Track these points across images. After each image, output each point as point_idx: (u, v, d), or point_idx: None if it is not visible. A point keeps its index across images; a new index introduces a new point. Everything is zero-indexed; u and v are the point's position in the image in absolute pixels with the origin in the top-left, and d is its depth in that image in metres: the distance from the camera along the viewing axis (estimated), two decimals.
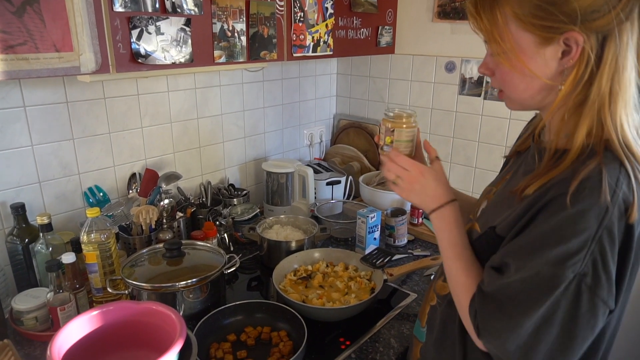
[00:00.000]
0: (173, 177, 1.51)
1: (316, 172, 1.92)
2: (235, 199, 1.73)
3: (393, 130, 0.92)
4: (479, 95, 1.80)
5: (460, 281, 0.78)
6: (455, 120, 1.90)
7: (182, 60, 1.18)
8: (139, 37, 1.08)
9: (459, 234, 0.82)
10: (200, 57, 1.22)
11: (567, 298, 0.63)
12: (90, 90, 1.38)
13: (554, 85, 0.69)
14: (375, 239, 1.58)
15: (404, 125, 0.92)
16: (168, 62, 1.15)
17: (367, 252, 1.51)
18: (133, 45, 1.07)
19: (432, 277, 1.41)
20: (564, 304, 0.63)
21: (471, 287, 0.75)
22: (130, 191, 1.53)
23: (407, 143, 0.93)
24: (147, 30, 1.08)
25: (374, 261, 1.37)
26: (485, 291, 0.71)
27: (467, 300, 0.75)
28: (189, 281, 1.16)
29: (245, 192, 1.80)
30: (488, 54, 0.75)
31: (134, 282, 1.16)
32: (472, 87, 1.81)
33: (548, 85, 0.69)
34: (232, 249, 1.59)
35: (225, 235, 1.57)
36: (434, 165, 0.89)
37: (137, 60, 1.09)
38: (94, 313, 0.97)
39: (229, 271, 1.29)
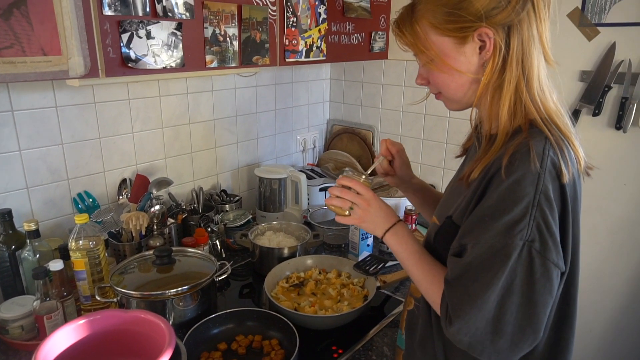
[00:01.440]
0: (164, 182, 1.49)
1: (309, 177, 1.91)
2: (227, 205, 1.72)
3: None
4: None
5: (428, 281, 0.82)
6: (449, 126, 1.89)
7: (173, 64, 1.17)
8: (129, 42, 1.06)
9: (414, 243, 0.87)
10: (191, 62, 1.21)
11: (522, 265, 0.68)
12: (80, 95, 1.36)
13: (479, 78, 0.77)
14: (368, 245, 1.57)
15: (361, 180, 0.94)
16: (159, 66, 1.14)
17: (360, 258, 1.50)
18: (123, 50, 1.06)
19: None
20: (519, 272, 0.68)
21: (439, 284, 0.79)
22: (121, 197, 1.50)
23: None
24: (137, 34, 1.07)
25: (367, 268, 1.35)
26: (451, 280, 0.74)
27: (437, 293, 0.78)
28: (180, 289, 1.14)
29: (237, 198, 1.78)
30: (420, 65, 0.84)
31: (122, 290, 1.13)
32: None
33: (475, 79, 0.77)
34: (223, 255, 1.57)
35: (217, 241, 1.55)
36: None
37: (127, 64, 1.07)
38: (80, 322, 0.95)
39: (220, 278, 1.27)
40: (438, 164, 1.96)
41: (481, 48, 0.75)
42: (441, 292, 0.77)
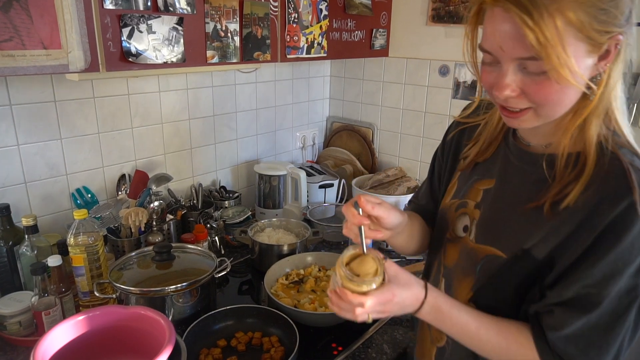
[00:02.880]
0: (163, 178, 1.48)
1: (309, 174, 1.91)
2: (226, 202, 1.71)
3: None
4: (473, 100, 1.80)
5: (503, 345, 0.71)
6: (449, 124, 1.89)
7: (174, 59, 1.16)
8: (130, 36, 1.05)
9: (460, 309, 0.73)
10: (192, 57, 1.20)
11: None
12: (79, 89, 1.35)
13: (583, 90, 0.64)
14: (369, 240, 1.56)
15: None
16: (159, 61, 1.13)
17: None
18: (124, 44, 1.05)
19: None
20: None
21: (517, 339, 0.71)
22: (120, 193, 1.50)
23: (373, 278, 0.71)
24: (138, 28, 1.06)
25: None
26: (566, 333, 0.67)
27: (526, 354, 0.70)
28: (179, 285, 1.13)
29: (236, 194, 1.77)
30: (511, 71, 0.62)
31: (122, 286, 1.13)
32: (466, 91, 1.81)
33: (578, 92, 0.64)
34: (223, 252, 1.56)
35: (216, 238, 1.55)
36: (389, 269, 0.71)
37: (127, 59, 1.06)
38: (79, 318, 0.95)
39: (219, 275, 1.27)
40: None
41: (601, 57, 0.62)
42: (531, 352, 0.69)
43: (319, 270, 1.39)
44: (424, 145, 2.00)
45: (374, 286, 0.68)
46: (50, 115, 1.31)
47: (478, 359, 0.77)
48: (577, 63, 0.59)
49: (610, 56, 0.62)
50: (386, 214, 0.73)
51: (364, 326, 1.21)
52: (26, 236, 1.20)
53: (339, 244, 1.66)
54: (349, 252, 0.73)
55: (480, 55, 0.69)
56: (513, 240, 0.72)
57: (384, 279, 0.69)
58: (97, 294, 1.15)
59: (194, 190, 1.69)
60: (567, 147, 0.68)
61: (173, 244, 1.30)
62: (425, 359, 0.91)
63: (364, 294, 0.67)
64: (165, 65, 1.15)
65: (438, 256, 0.89)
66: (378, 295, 0.68)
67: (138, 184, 1.47)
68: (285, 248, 1.45)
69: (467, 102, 1.83)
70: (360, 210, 0.71)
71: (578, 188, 0.65)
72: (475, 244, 0.78)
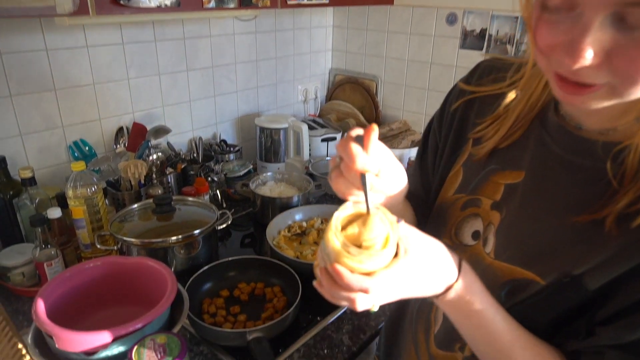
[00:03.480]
0: (162, 130, 1.45)
1: (311, 128, 1.87)
2: (227, 155, 1.68)
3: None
4: (481, 49, 1.73)
5: None
6: (455, 75, 1.83)
7: (168, 3, 1.10)
8: None
9: (496, 310, 0.53)
10: (187, 1, 1.14)
11: None
12: (71, 37, 1.30)
13: None
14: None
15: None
16: (153, 5, 1.07)
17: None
18: None
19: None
20: None
21: None
22: (118, 145, 1.47)
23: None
24: None
25: None
26: None
27: None
28: (180, 236, 1.13)
29: (237, 148, 1.75)
30: (598, 25, 0.40)
31: (123, 238, 1.12)
32: (474, 40, 1.73)
33: None
34: (224, 205, 1.55)
35: (218, 191, 1.53)
36: (407, 235, 0.49)
37: (119, 2, 1.01)
38: (81, 268, 0.94)
39: (221, 227, 1.26)
40: None
41: None
42: None
43: (322, 222, 1.38)
44: (429, 98, 1.94)
45: (383, 263, 0.46)
46: (43, 64, 1.26)
47: None
48: None
49: None
50: (395, 164, 0.54)
51: None
52: (24, 188, 1.18)
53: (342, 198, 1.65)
54: (345, 212, 0.49)
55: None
56: (557, 263, 0.52)
57: (397, 251, 0.47)
58: (99, 246, 1.15)
59: (194, 144, 1.66)
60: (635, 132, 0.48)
61: (174, 197, 1.29)
62: None
63: (369, 273, 0.46)
64: (158, 9, 1.09)
65: None
66: (390, 276, 0.46)
67: (136, 136, 1.45)
68: (287, 201, 1.43)
69: (475, 52, 1.78)
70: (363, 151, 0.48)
71: None
72: (495, 259, 0.58)
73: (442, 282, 0.51)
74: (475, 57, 1.74)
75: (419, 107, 1.98)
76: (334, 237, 0.47)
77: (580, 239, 0.51)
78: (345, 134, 0.53)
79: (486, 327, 0.53)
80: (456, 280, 0.51)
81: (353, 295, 0.47)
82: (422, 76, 1.93)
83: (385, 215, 0.49)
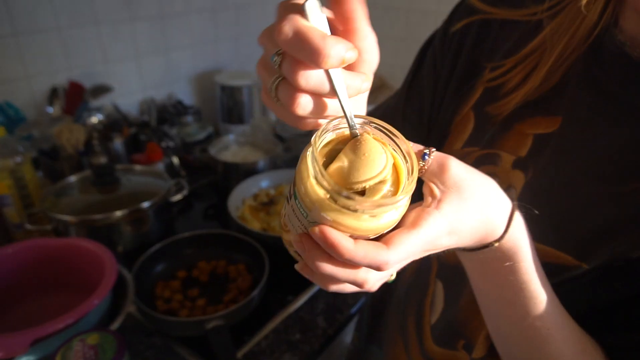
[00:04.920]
0: (102, 89, 1.25)
1: None
2: (184, 117, 1.50)
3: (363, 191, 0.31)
4: None
5: (572, 351, 0.40)
6: (437, 23, 1.66)
7: None
8: None
9: (541, 276, 0.39)
10: None
11: None
12: None
13: None
14: None
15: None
16: None
17: None
18: None
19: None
20: None
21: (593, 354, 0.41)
22: (53, 108, 1.27)
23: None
24: None
25: None
26: None
27: None
28: (125, 211, 0.97)
29: (195, 109, 1.56)
30: None
31: (57, 216, 0.95)
32: None
33: None
34: (183, 174, 1.38)
35: (174, 158, 1.36)
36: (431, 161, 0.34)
37: None
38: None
39: (176, 198, 1.10)
40: None
41: None
42: None
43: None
44: (407, 51, 1.77)
45: (398, 214, 0.30)
46: None
47: None
48: None
49: None
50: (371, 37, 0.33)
51: None
52: None
53: None
54: (322, 140, 0.32)
55: None
56: (604, 244, 0.40)
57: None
58: (29, 226, 0.98)
59: (145, 106, 1.47)
60: None
61: (119, 166, 1.11)
62: None
63: (377, 238, 0.31)
64: None
65: None
66: (418, 241, 0.31)
67: (74, 97, 1.25)
68: (252, 166, 1.28)
69: None
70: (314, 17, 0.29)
71: None
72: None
73: (484, 234, 0.34)
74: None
75: (395, 60, 1.82)
76: (315, 179, 0.29)
77: (615, 210, 0.38)
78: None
79: (523, 305, 0.38)
80: (503, 235, 0.35)
81: (361, 276, 0.31)
82: (397, 24, 1.76)
83: (390, 133, 0.31)
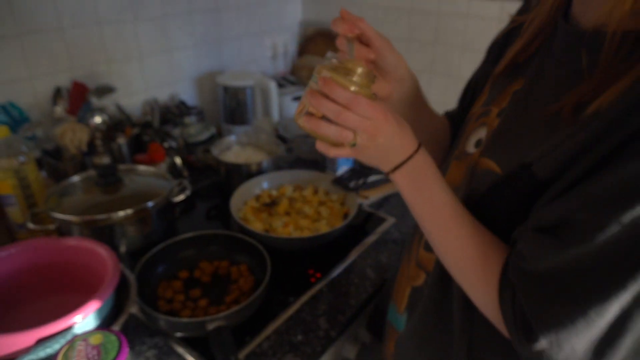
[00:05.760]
0: (105, 89, 1.26)
1: (281, 86, 1.69)
2: (187, 118, 1.50)
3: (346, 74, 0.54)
4: None
5: (469, 253, 0.54)
6: (438, 23, 1.66)
7: None
8: None
9: (443, 188, 0.56)
10: None
11: None
12: None
13: None
14: (348, 158, 1.41)
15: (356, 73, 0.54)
16: None
17: (339, 173, 1.34)
18: None
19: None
20: None
21: (489, 257, 0.53)
22: (56, 108, 1.27)
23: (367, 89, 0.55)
24: None
25: (346, 183, 1.20)
26: (536, 270, 0.47)
27: (488, 280, 0.52)
28: (128, 211, 0.97)
29: (198, 110, 1.56)
30: None
31: (60, 215, 0.96)
32: None
33: None
34: (185, 174, 1.39)
35: (177, 159, 1.36)
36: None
37: None
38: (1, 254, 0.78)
39: (178, 199, 1.10)
40: (424, 68, 1.76)
41: None
42: (496, 279, 0.52)
43: (294, 190, 1.24)
44: (408, 50, 1.78)
45: (366, 94, 0.53)
46: None
47: (452, 306, 0.61)
48: None
49: None
50: (374, 34, 0.60)
51: (344, 249, 1.08)
52: None
53: (316, 163, 1.50)
54: (331, 61, 0.55)
55: None
56: (511, 152, 0.54)
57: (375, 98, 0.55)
58: (32, 226, 0.98)
59: (148, 106, 1.47)
60: (625, 22, 0.44)
61: (121, 166, 1.12)
62: (399, 299, 0.75)
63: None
64: None
65: None
66: (371, 102, 0.52)
67: (77, 97, 1.25)
68: (255, 167, 1.28)
69: None
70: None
71: (624, 82, 0.43)
72: (479, 158, 0.59)
73: (406, 142, 0.55)
74: (459, 2, 1.58)
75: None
76: (324, 63, 0.55)
77: (539, 130, 0.52)
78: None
79: (433, 200, 0.56)
80: (416, 152, 0.55)
81: (339, 110, 0.52)
82: (399, 24, 1.75)
83: (360, 74, 0.54)
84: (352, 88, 0.52)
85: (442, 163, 0.71)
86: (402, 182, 0.57)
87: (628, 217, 0.40)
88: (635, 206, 0.40)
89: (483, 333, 0.58)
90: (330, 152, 0.56)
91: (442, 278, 0.62)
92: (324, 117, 0.53)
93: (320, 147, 0.57)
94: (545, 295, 0.46)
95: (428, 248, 0.68)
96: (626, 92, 0.42)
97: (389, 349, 0.79)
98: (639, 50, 0.44)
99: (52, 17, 1.21)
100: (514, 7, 0.74)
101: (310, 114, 0.54)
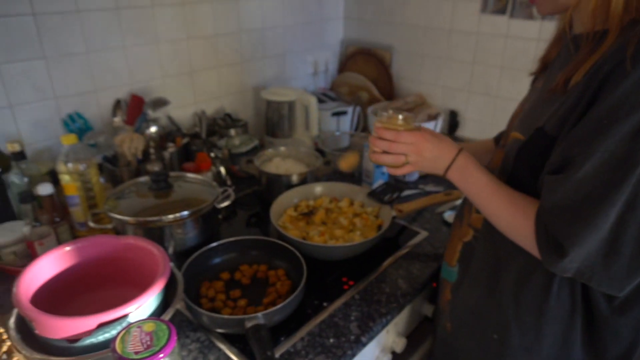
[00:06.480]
0: (160, 102, 1.36)
1: (321, 101, 1.76)
2: (232, 130, 1.60)
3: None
4: (504, 13, 1.59)
5: (511, 213, 0.72)
6: (476, 44, 1.69)
7: None
8: None
9: (483, 174, 0.77)
10: None
11: None
12: (60, 1, 1.20)
13: None
14: (383, 173, 1.45)
15: (400, 125, 0.83)
16: None
17: (374, 186, 1.39)
18: None
19: (446, 214, 1.30)
20: None
21: (524, 210, 0.70)
22: (115, 119, 1.39)
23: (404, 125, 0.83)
24: None
25: (381, 196, 1.25)
26: (556, 203, 0.64)
27: (527, 222, 0.69)
28: (177, 214, 1.05)
29: (243, 122, 1.65)
30: None
31: (117, 216, 1.05)
32: (496, 3, 1.59)
33: None
34: (229, 183, 1.47)
35: (222, 168, 1.45)
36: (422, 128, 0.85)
37: None
38: (67, 248, 0.87)
39: (222, 205, 1.18)
40: (462, 87, 1.78)
41: None
42: (531, 223, 0.68)
43: (330, 201, 1.29)
44: (446, 69, 1.81)
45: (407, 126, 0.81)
46: (30, 30, 1.17)
47: (500, 256, 0.80)
48: None
49: None
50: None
51: (377, 259, 1.12)
52: (13, 163, 1.11)
53: (352, 175, 1.55)
54: (382, 115, 0.84)
55: None
56: (531, 122, 0.72)
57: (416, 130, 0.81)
58: (92, 225, 1.08)
59: (197, 118, 1.57)
60: (591, 26, 0.64)
61: (172, 173, 1.21)
62: (451, 256, 0.94)
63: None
64: None
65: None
66: (411, 131, 0.79)
67: (134, 109, 1.36)
68: (294, 178, 1.34)
69: (499, 16, 1.63)
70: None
71: (588, 62, 0.63)
72: (510, 133, 0.79)
73: (448, 150, 0.79)
74: (498, 23, 1.61)
75: (435, 79, 1.85)
76: (377, 121, 0.84)
77: (546, 103, 0.71)
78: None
79: (477, 184, 0.77)
80: (457, 155, 0.78)
81: (390, 144, 0.80)
82: (439, 45, 1.79)
83: (403, 116, 0.82)
84: (398, 129, 0.80)
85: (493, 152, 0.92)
86: (454, 178, 0.79)
87: (605, 144, 0.58)
88: (607, 136, 0.58)
89: (522, 270, 0.76)
90: (397, 172, 0.83)
91: (489, 231, 0.80)
92: (384, 152, 0.81)
93: (389, 171, 0.83)
94: (564, 220, 0.63)
95: (478, 211, 0.85)
96: (590, 69, 0.62)
97: (445, 297, 0.97)
98: (600, 43, 0.63)
99: (118, 36, 1.34)
100: (553, 26, 0.81)
101: (374, 152, 0.83)
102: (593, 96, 0.61)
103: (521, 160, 0.73)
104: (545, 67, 0.83)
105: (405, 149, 0.80)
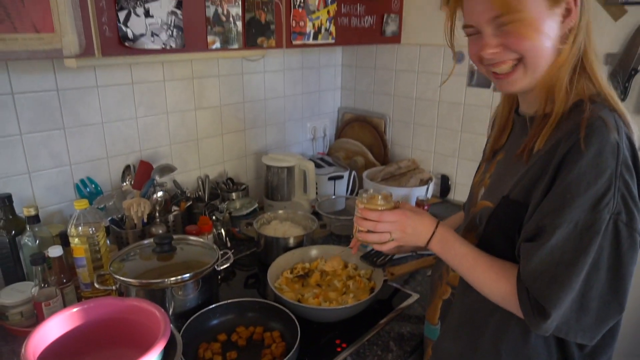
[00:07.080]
0: (167, 169, 1.46)
1: (318, 166, 1.86)
2: (233, 194, 1.68)
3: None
4: (488, 87, 1.72)
5: (492, 279, 0.79)
6: (464, 113, 1.82)
7: (173, 45, 1.12)
8: (127, 20, 1.02)
9: (462, 244, 0.84)
10: (192, 43, 1.16)
11: (608, 239, 0.67)
12: (82, 78, 1.33)
13: (557, 48, 0.73)
14: None
15: (380, 205, 0.91)
16: (158, 46, 1.09)
17: (368, 249, 1.45)
18: (120, 28, 1.02)
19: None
20: (606, 246, 0.67)
21: (504, 274, 0.77)
22: (124, 184, 1.48)
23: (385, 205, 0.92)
24: (135, 12, 1.03)
25: (374, 259, 1.30)
26: (531, 268, 0.71)
27: (508, 288, 0.76)
28: (179, 277, 1.10)
29: (244, 186, 1.74)
30: (489, 34, 0.74)
31: (121, 278, 1.10)
32: (481, 78, 1.73)
33: (554, 49, 0.73)
34: (229, 245, 1.53)
35: (222, 230, 1.52)
36: (403, 204, 0.92)
37: (124, 43, 1.03)
38: (74, 310, 0.92)
39: (222, 267, 1.23)
40: (452, 153, 1.89)
41: (564, 15, 0.72)
42: (513, 286, 0.75)
43: (325, 263, 1.34)
44: (437, 136, 1.93)
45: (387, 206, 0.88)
46: (53, 104, 1.29)
47: (478, 311, 0.85)
48: (540, 16, 0.70)
49: (574, 14, 0.71)
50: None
51: (369, 322, 1.16)
52: (28, 226, 1.18)
53: (348, 237, 1.61)
54: (362, 196, 0.92)
55: (458, 39, 0.84)
56: (498, 191, 0.80)
57: (396, 207, 0.89)
58: (97, 286, 1.13)
59: (200, 182, 1.66)
60: (542, 109, 0.76)
61: (175, 236, 1.27)
62: (433, 314, 0.99)
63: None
64: (164, 50, 1.11)
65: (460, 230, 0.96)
66: (393, 211, 0.87)
67: (142, 174, 1.45)
68: (292, 241, 1.41)
69: (483, 89, 1.76)
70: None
71: (544, 134, 0.73)
72: (479, 202, 0.87)
73: (428, 224, 0.86)
74: (483, 95, 1.74)
75: (427, 145, 1.96)
76: (360, 200, 0.92)
77: (511, 172, 0.80)
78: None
79: (458, 254, 0.83)
80: (436, 226, 0.86)
81: (374, 224, 0.88)
82: (430, 114, 1.92)
83: (382, 196, 0.90)
84: (379, 208, 0.88)
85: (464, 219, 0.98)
86: (436, 249, 0.86)
87: (570, 215, 0.67)
88: (572, 208, 0.66)
89: (500, 322, 0.81)
90: (382, 248, 0.90)
91: (466, 287, 0.85)
92: (368, 231, 0.89)
93: (375, 247, 0.91)
94: (543, 283, 0.70)
95: (454, 270, 0.90)
96: (547, 138, 0.73)
97: (428, 355, 1.01)
98: (547, 117, 0.74)
99: (131, 108, 1.46)
100: None
101: (360, 231, 0.91)
102: (555, 172, 0.70)
103: (491, 224, 0.81)
104: (497, 151, 0.92)
105: (389, 227, 0.86)
